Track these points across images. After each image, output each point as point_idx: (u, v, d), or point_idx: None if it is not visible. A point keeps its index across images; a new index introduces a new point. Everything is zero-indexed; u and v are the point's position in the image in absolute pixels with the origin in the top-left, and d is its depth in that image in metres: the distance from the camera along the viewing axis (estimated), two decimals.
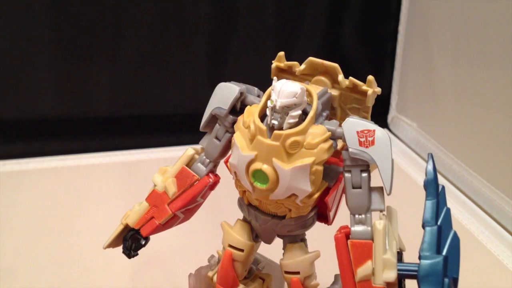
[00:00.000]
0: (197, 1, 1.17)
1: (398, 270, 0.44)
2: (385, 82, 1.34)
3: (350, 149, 0.44)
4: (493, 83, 0.97)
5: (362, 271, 0.44)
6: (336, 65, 0.51)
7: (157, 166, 0.56)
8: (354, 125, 0.45)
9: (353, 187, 0.46)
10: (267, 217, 0.49)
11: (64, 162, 1.14)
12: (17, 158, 1.13)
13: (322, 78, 0.52)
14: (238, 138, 0.46)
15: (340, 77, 0.50)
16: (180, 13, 1.17)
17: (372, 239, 0.44)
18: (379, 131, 0.44)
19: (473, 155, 1.04)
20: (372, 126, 0.44)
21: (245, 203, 0.51)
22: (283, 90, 0.42)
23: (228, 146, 0.51)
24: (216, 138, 0.51)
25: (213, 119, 0.51)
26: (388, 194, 0.45)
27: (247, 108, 0.47)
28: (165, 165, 0.54)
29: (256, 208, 0.50)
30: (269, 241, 0.53)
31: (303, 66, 0.53)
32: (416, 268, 0.43)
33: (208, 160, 0.52)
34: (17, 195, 0.99)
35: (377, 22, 1.31)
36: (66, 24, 1.12)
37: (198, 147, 0.54)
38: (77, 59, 1.15)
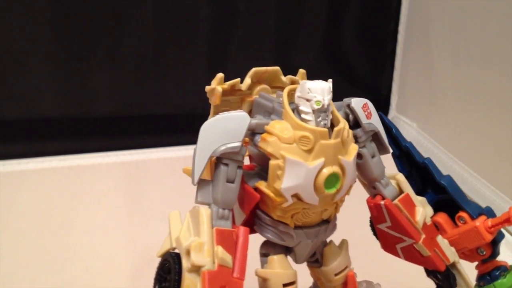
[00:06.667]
0: (197, 1, 1.17)
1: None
2: (385, 82, 1.34)
3: (364, 124, 0.47)
4: (493, 83, 0.97)
5: (419, 218, 0.48)
6: (277, 68, 0.51)
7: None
8: (357, 102, 0.47)
9: (372, 157, 0.48)
10: (317, 227, 0.47)
11: (64, 162, 1.14)
12: (17, 158, 1.13)
13: (265, 86, 0.51)
14: (291, 155, 0.41)
15: (283, 78, 0.51)
16: (180, 13, 1.17)
17: (402, 191, 0.49)
18: (369, 101, 0.48)
19: (473, 155, 1.04)
20: (363, 99, 0.47)
21: (292, 228, 0.46)
22: (323, 87, 0.42)
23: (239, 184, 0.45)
24: (228, 181, 0.44)
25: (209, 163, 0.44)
26: (389, 152, 0.50)
27: (272, 125, 0.43)
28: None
29: (301, 226, 0.46)
30: (305, 258, 0.50)
31: (249, 80, 0.49)
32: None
33: (227, 211, 0.44)
34: (17, 195, 0.99)
35: (377, 22, 1.31)
36: (66, 24, 1.12)
37: (197, 205, 0.46)
38: (77, 59, 1.15)
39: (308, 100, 0.42)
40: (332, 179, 0.42)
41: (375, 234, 0.52)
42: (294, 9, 1.25)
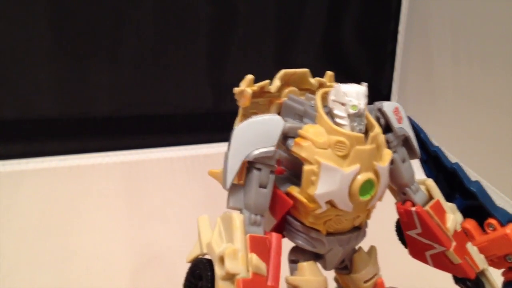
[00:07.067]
0: (197, 1, 1.17)
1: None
2: (385, 82, 1.34)
3: (396, 129, 0.46)
4: (493, 83, 0.97)
5: (450, 225, 0.47)
6: (306, 70, 0.50)
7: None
8: (389, 106, 0.46)
9: (403, 162, 0.47)
10: (349, 234, 0.46)
11: (64, 162, 1.14)
12: (17, 158, 1.13)
13: (293, 88, 0.50)
14: (326, 161, 0.41)
15: (311, 80, 0.50)
16: (180, 13, 1.17)
17: (431, 197, 0.48)
18: (400, 105, 0.47)
19: (473, 154, 1.04)
20: (394, 103, 0.47)
21: (324, 234, 0.45)
22: (359, 91, 0.41)
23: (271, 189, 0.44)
24: (261, 186, 0.43)
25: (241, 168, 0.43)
26: (418, 157, 0.49)
27: (306, 129, 0.42)
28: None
29: (333, 233, 0.46)
30: (335, 265, 0.50)
31: (278, 82, 0.48)
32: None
33: (259, 217, 0.43)
34: (17, 195, 0.99)
35: (377, 22, 1.31)
36: (66, 24, 1.12)
37: (228, 210, 0.44)
38: (77, 59, 1.15)
39: (343, 104, 0.41)
40: (367, 186, 0.42)
41: (401, 239, 0.51)
42: (294, 9, 1.25)
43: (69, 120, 1.20)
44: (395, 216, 0.50)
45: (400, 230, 0.51)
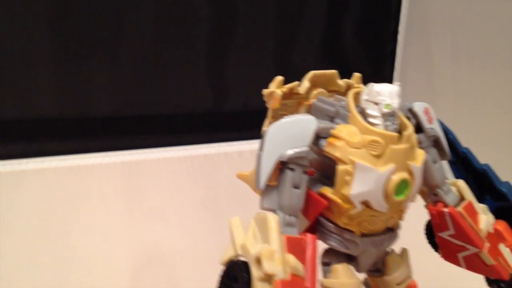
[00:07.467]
0: (197, 1, 1.17)
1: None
2: (385, 82, 1.34)
3: (427, 129, 0.46)
4: (493, 83, 0.97)
5: (483, 226, 0.47)
6: (335, 71, 0.50)
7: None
8: (420, 106, 0.46)
9: (434, 163, 0.47)
10: (382, 235, 0.46)
11: (64, 162, 1.14)
12: (17, 158, 1.13)
13: (322, 90, 0.50)
14: (361, 160, 0.40)
15: (339, 81, 0.50)
16: (180, 13, 1.17)
17: (463, 198, 0.47)
18: (429, 106, 0.47)
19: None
20: (423, 103, 0.46)
21: (358, 235, 0.45)
22: (392, 91, 0.41)
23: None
24: (294, 186, 0.42)
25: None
26: (448, 158, 0.49)
27: (339, 129, 0.42)
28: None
29: (367, 234, 0.45)
30: (368, 267, 0.49)
31: (307, 83, 0.48)
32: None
33: (294, 218, 0.42)
34: (17, 195, 0.99)
35: (377, 22, 1.31)
36: (66, 24, 1.12)
37: (262, 211, 0.43)
38: (77, 59, 1.15)
39: (376, 104, 0.41)
40: (402, 186, 0.41)
41: (430, 242, 0.51)
42: (294, 9, 1.25)
43: (69, 120, 1.20)
44: (421, 219, 0.50)
45: (430, 232, 0.50)
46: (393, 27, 1.30)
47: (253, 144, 1.25)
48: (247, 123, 1.28)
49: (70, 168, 1.11)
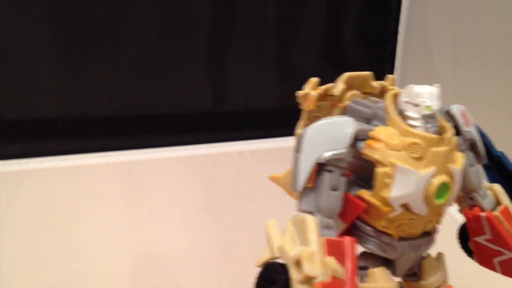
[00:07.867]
0: (197, 1, 1.17)
1: None
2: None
3: (464, 132, 0.45)
4: (493, 83, 0.97)
5: None
6: (369, 73, 0.50)
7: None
8: (457, 109, 0.46)
9: (471, 166, 0.46)
10: (420, 239, 0.45)
11: (64, 162, 1.14)
12: (17, 158, 1.13)
13: (356, 91, 0.50)
14: (402, 163, 0.40)
15: (374, 83, 0.50)
16: (180, 13, 1.17)
17: (499, 202, 0.47)
18: (466, 109, 0.46)
19: None
20: (460, 106, 0.46)
21: (396, 239, 0.44)
22: (432, 92, 0.41)
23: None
24: (332, 188, 0.42)
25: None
26: (484, 162, 0.48)
27: (378, 131, 0.42)
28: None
29: (405, 238, 0.44)
30: (405, 271, 0.48)
31: (342, 85, 0.48)
32: None
33: (332, 220, 0.42)
34: (17, 195, 0.99)
35: (377, 22, 1.31)
36: (66, 24, 1.12)
37: (299, 213, 0.43)
38: (77, 59, 1.15)
39: (416, 105, 0.41)
40: (442, 189, 0.41)
41: (463, 247, 0.50)
42: (294, 9, 1.25)
43: (69, 120, 1.20)
44: (452, 223, 0.50)
45: (464, 236, 0.49)
46: (393, 27, 1.30)
47: (253, 144, 1.25)
48: (247, 123, 1.28)
49: (70, 168, 1.11)
